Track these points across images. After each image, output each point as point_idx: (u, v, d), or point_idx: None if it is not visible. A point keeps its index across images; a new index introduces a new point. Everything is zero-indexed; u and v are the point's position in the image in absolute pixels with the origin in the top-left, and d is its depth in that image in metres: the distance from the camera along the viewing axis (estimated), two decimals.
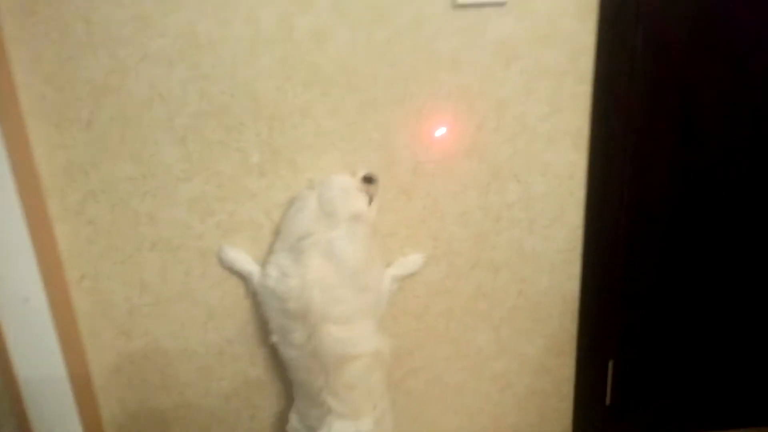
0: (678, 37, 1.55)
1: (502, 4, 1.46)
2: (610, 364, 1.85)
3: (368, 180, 1.51)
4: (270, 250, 1.55)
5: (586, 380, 1.85)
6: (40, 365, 1.57)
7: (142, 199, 1.56)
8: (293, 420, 1.60)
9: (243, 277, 1.63)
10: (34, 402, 1.61)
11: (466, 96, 1.52)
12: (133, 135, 1.50)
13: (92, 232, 1.58)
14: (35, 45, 1.41)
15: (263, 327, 1.68)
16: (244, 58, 1.46)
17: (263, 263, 1.54)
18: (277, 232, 1.55)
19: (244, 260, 1.61)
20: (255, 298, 1.60)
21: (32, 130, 1.48)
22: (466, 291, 1.73)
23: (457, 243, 1.67)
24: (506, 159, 1.59)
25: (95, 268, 1.61)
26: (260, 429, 1.82)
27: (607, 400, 1.88)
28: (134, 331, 1.68)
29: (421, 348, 1.77)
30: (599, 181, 1.62)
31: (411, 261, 1.65)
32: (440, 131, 1.55)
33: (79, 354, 1.67)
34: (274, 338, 1.51)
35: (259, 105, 1.50)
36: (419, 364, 1.79)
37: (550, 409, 1.89)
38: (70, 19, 1.40)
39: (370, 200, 1.50)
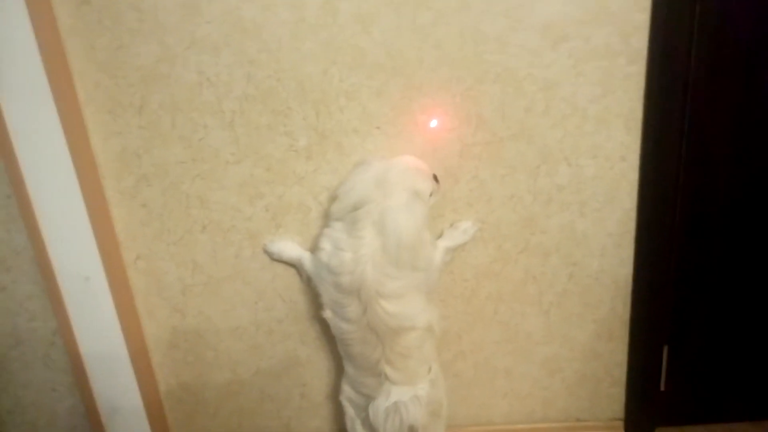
0: (739, 11, 1.46)
1: None
2: (665, 350, 1.80)
3: (435, 178, 1.51)
4: (325, 219, 1.56)
5: (639, 366, 1.81)
6: (102, 341, 1.65)
7: (193, 182, 1.60)
8: (347, 390, 1.62)
9: (294, 265, 1.66)
10: (96, 375, 1.70)
11: (514, 78, 1.49)
12: (183, 120, 1.53)
13: (146, 214, 1.63)
14: (89, 34, 1.46)
15: (312, 306, 1.71)
16: (289, 42, 1.46)
17: (317, 236, 1.55)
18: (333, 195, 1.53)
19: (291, 248, 1.63)
20: (309, 282, 1.61)
21: (89, 117, 1.53)
22: (515, 275, 1.70)
23: (506, 226, 1.65)
24: (556, 141, 1.55)
25: (149, 249, 1.67)
26: (310, 407, 1.87)
27: (662, 386, 1.83)
28: (188, 310, 1.74)
29: (469, 331, 1.77)
30: (654, 164, 1.56)
31: (462, 230, 1.63)
32: (486, 114, 1.52)
33: (137, 330, 1.74)
34: (327, 314, 1.51)
35: (305, 89, 1.51)
36: (467, 348, 1.79)
37: (601, 394, 1.85)
38: (121, 8, 1.43)
39: (431, 193, 1.49)
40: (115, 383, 1.71)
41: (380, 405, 1.50)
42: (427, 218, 1.46)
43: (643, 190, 1.60)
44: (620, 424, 1.87)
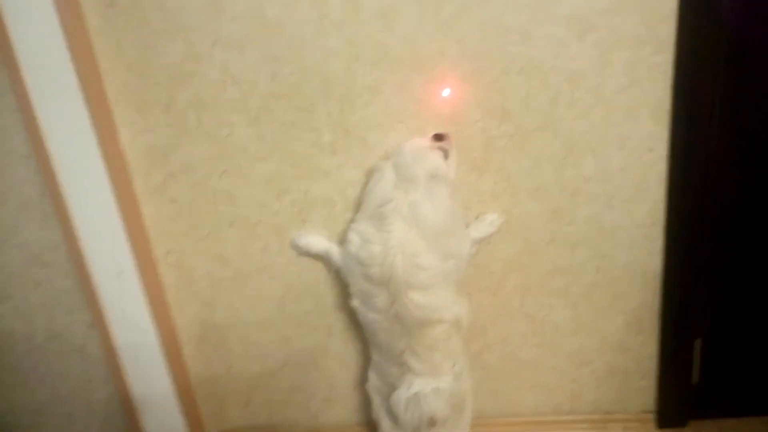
0: None
1: None
2: (697, 343, 1.77)
3: (439, 137, 1.50)
4: (351, 222, 1.57)
5: (670, 359, 1.79)
6: (135, 333, 1.69)
7: (220, 178, 1.62)
8: (373, 378, 1.64)
9: (322, 258, 1.67)
10: (130, 367, 1.74)
11: (538, 70, 1.47)
12: (209, 117, 1.56)
13: (174, 210, 1.66)
14: (117, 34, 1.49)
15: (339, 299, 1.73)
16: (312, 39, 1.47)
17: (344, 231, 1.57)
18: (358, 206, 1.57)
19: (319, 241, 1.65)
20: (338, 273, 1.63)
21: (117, 115, 1.56)
22: (542, 267, 1.69)
23: (532, 219, 1.63)
24: (581, 133, 1.53)
25: (179, 244, 1.70)
26: (338, 398, 1.89)
27: (694, 380, 1.81)
28: (217, 303, 1.77)
29: (495, 324, 1.77)
30: (683, 154, 1.53)
31: (488, 222, 1.62)
32: (511, 107, 1.51)
33: (169, 323, 1.78)
34: (355, 302, 1.53)
35: (329, 85, 1.51)
36: (494, 340, 1.79)
37: (631, 387, 1.84)
38: (147, 9, 1.46)
39: (446, 156, 1.49)
40: (148, 374, 1.75)
41: (401, 395, 1.52)
42: (453, 196, 1.47)
43: (673, 180, 1.57)
44: (651, 416, 1.86)
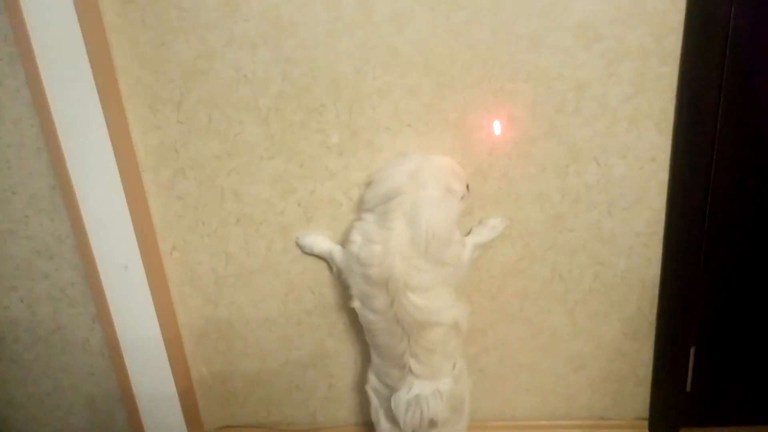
0: None
1: None
2: (692, 351, 1.79)
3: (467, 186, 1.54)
4: (358, 209, 1.59)
5: (665, 366, 1.81)
6: (138, 328, 1.71)
7: (228, 176, 1.64)
8: (372, 379, 1.65)
9: (324, 258, 1.69)
10: (132, 361, 1.76)
11: (545, 78, 1.50)
12: (219, 115, 1.58)
13: (181, 206, 1.68)
14: (132, 32, 1.50)
15: (341, 299, 1.75)
16: (324, 40, 1.49)
17: (348, 230, 1.58)
18: (368, 183, 1.57)
19: (322, 242, 1.67)
20: (339, 275, 1.64)
21: (130, 111, 1.58)
22: (542, 272, 1.72)
23: (533, 224, 1.66)
24: (585, 141, 1.56)
25: (184, 240, 1.72)
26: (336, 398, 1.91)
27: (688, 387, 1.83)
28: (220, 300, 1.79)
29: (494, 327, 1.79)
30: (684, 165, 1.56)
31: (490, 227, 1.63)
32: (517, 113, 1.54)
33: (172, 319, 1.79)
34: (356, 304, 1.53)
35: (339, 87, 1.53)
36: (492, 343, 1.81)
37: (625, 392, 1.86)
38: (163, 7, 1.48)
39: (462, 194, 1.51)
40: (149, 369, 1.76)
41: (402, 397, 1.52)
42: (458, 217, 1.48)
43: (673, 190, 1.60)
44: (644, 423, 1.88)
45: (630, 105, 1.52)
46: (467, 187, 1.53)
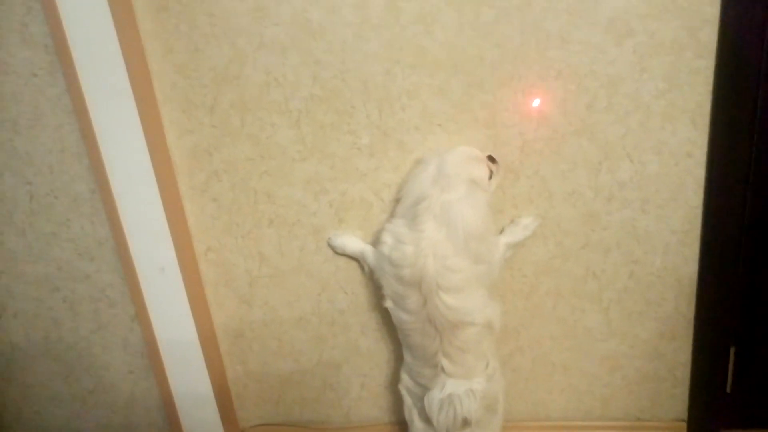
0: None
1: None
2: (732, 351, 1.75)
3: (492, 159, 1.54)
4: (389, 218, 1.60)
5: (704, 366, 1.78)
6: (175, 328, 1.74)
7: (261, 178, 1.67)
8: (405, 378, 1.66)
9: (356, 258, 1.70)
10: (170, 360, 1.79)
11: (576, 75, 1.48)
12: (252, 119, 1.60)
13: (216, 209, 1.71)
14: (167, 38, 1.54)
15: (373, 298, 1.76)
16: (353, 43, 1.50)
17: (379, 231, 1.59)
18: (396, 198, 1.59)
19: (354, 242, 1.68)
20: (372, 275, 1.65)
21: (165, 116, 1.62)
22: (575, 271, 1.70)
23: (566, 223, 1.65)
24: (618, 138, 1.54)
25: (219, 241, 1.75)
26: (369, 397, 1.92)
27: (728, 388, 1.79)
28: (254, 301, 1.81)
29: (527, 327, 1.78)
30: (722, 160, 1.53)
31: (522, 226, 1.63)
32: (548, 110, 1.53)
33: (207, 319, 1.82)
34: (389, 304, 1.54)
35: (368, 88, 1.55)
36: (525, 343, 1.80)
37: (663, 394, 1.83)
38: (196, 13, 1.51)
39: (490, 176, 1.52)
40: (186, 368, 1.80)
41: (435, 396, 1.52)
42: (490, 205, 1.49)
43: (711, 187, 1.57)
44: (683, 425, 1.84)
45: (664, 100, 1.49)
46: (492, 159, 1.53)
